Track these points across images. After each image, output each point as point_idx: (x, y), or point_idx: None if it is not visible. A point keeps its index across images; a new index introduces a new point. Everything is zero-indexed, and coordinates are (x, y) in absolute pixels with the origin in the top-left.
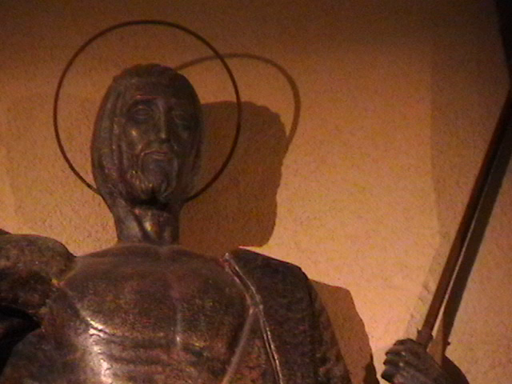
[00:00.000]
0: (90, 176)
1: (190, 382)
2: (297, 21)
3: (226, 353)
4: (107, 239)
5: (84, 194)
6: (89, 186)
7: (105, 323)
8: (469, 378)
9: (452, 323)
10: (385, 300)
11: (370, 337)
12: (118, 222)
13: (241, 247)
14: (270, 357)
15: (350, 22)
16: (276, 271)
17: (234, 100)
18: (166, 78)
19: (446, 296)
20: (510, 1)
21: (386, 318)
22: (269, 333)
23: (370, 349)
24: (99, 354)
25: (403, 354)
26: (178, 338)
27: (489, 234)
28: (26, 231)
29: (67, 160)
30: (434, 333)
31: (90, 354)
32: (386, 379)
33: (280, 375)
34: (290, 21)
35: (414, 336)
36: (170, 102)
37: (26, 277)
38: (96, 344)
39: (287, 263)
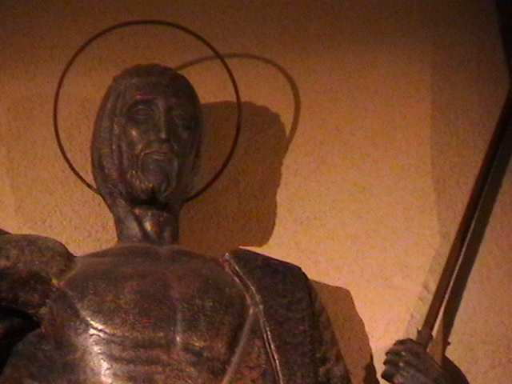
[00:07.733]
0: (90, 176)
1: (189, 382)
2: (297, 21)
3: (226, 353)
4: (107, 239)
5: (84, 194)
6: (89, 186)
7: (105, 323)
8: (469, 378)
9: (452, 323)
10: (385, 300)
11: (370, 337)
12: (118, 222)
13: (241, 247)
14: (270, 357)
15: (350, 22)
16: (276, 271)
17: (234, 100)
18: (166, 78)
19: (446, 296)
20: (510, 1)
21: (385, 318)
22: (269, 333)
23: (370, 349)
24: (99, 353)
25: (403, 353)
26: (178, 338)
27: (489, 234)
28: (26, 231)
29: (67, 160)
30: (434, 333)
31: (90, 354)
32: (386, 379)
33: (280, 375)
34: (290, 21)
35: (414, 336)
36: (170, 102)
37: (26, 277)
38: (96, 344)
39: (287, 263)
